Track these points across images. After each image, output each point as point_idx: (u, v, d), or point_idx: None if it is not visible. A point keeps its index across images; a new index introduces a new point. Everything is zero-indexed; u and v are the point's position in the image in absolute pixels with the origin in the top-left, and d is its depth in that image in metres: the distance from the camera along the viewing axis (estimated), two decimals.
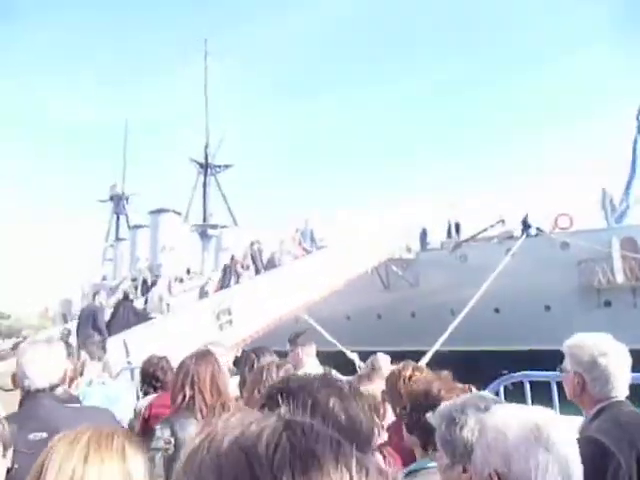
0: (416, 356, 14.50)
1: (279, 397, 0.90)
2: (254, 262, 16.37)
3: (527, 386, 3.41)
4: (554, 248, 18.52)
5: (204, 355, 2.56)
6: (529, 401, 3.38)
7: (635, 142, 19.90)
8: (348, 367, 14.61)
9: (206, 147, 37.92)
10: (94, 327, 9.64)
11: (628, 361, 1.98)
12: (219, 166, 38.59)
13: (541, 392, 3.44)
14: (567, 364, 2.02)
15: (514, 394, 3.47)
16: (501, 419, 1.11)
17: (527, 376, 3.48)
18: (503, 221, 19.80)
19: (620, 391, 1.92)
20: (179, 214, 36.33)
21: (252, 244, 16.87)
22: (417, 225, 22.08)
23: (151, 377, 3.80)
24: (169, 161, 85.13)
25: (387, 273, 21.40)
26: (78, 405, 3.21)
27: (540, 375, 3.69)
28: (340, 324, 20.74)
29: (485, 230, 20.25)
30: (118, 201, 47.57)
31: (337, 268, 16.01)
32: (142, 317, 11.15)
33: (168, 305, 12.21)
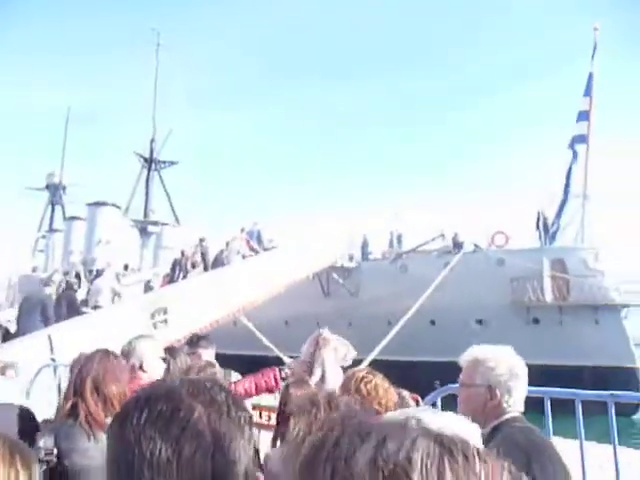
0: (353, 364, 14.77)
1: (135, 404, 0.78)
2: (203, 259, 16.20)
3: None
4: (490, 264, 19.21)
5: (94, 356, 2.31)
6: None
7: (569, 170, 20.98)
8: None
9: (152, 141, 36.91)
10: (43, 316, 9.22)
11: (525, 377, 1.99)
12: (164, 162, 37.61)
13: None
14: (476, 378, 1.95)
15: (450, 405, 3.52)
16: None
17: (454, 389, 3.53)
18: (443, 235, 20.39)
19: (518, 406, 1.91)
20: (119, 208, 35.10)
21: (201, 241, 16.70)
22: (359, 234, 22.34)
23: None
24: (112, 153, 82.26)
25: (328, 280, 21.51)
26: None
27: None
28: (278, 329, 20.62)
29: (426, 243, 20.78)
30: (55, 190, 45.48)
31: (279, 272, 15.89)
32: (76, 310, 10.68)
33: (119, 295, 11.83)
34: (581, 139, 20.58)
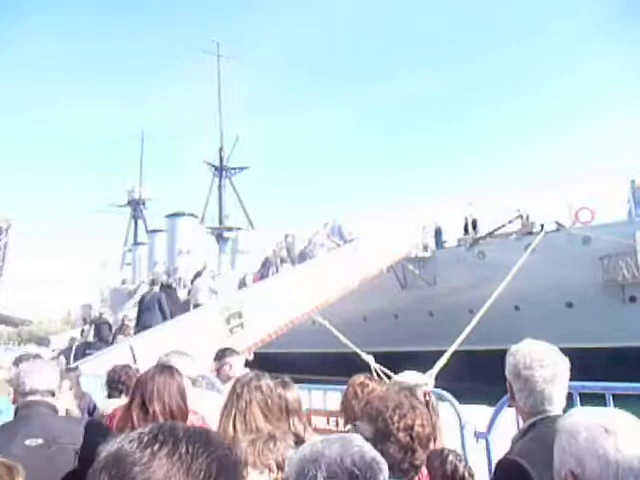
0: (435, 356, 14.33)
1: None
2: (289, 254, 16.77)
3: None
4: (575, 243, 18.00)
5: (149, 373, 2.37)
6: None
7: None
8: (363, 369, 14.41)
9: (220, 150, 38.01)
10: (161, 312, 10.59)
11: (562, 374, 1.85)
12: (234, 168, 38.66)
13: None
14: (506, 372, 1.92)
15: None
16: (571, 423, 1.15)
17: None
18: (522, 216, 19.28)
19: (554, 406, 1.79)
20: (195, 217, 36.47)
21: (286, 237, 17.30)
22: (432, 222, 21.69)
23: (117, 382, 3.89)
24: (185, 165, 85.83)
25: (404, 272, 21.06)
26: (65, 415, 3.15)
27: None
28: (356, 325, 20.47)
29: (503, 226, 19.76)
30: (136, 206, 48.03)
31: (353, 267, 15.71)
32: (181, 306, 11.78)
33: (216, 292, 12.73)
34: None
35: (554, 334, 15.74)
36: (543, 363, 1.83)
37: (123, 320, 12.62)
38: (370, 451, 1.18)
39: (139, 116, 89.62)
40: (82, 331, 15.35)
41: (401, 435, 1.59)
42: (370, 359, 13.80)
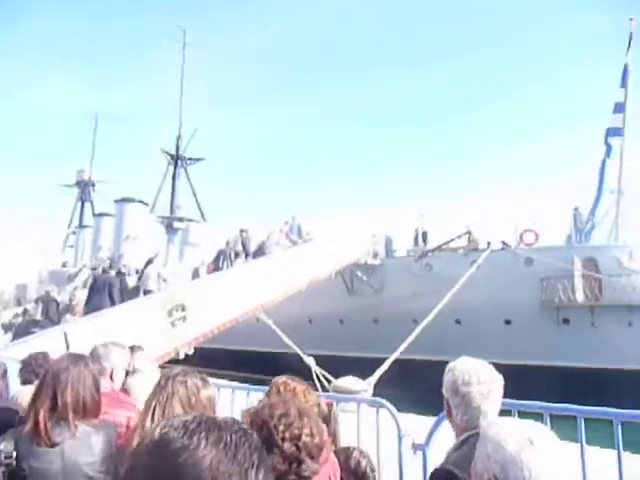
0: (377, 363, 14.50)
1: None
2: (244, 249, 16.79)
3: None
4: (518, 263, 18.66)
5: (60, 362, 2.30)
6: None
7: (603, 164, 20.24)
8: (304, 371, 14.40)
9: (178, 139, 37.17)
10: (110, 296, 10.61)
11: (497, 390, 1.92)
12: (190, 159, 37.86)
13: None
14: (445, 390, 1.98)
15: None
16: (497, 432, 1.23)
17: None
18: (470, 232, 19.86)
19: (488, 421, 1.82)
20: (146, 205, 35.52)
21: (242, 231, 17.33)
22: (383, 232, 22.00)
23: (36, 367, 3.65)
24: (139, 151, 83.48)
25: (352, 278, 21.24)
26: None
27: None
28: (302, 327, 20.48)
29: (452, 240, 20.29)
30: (84, 187, 46.29)
31: (301, 269, 15.70)
32: (130, 293, 11.69)
33: (165, 281, 12.77)
34: (616, 132, 19.82)
35: (492, 349, 16.13)
36: (480, 379, 1.87)
37: (71, 300, 12.35)
38: None
39: (98, 98, 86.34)
40: (24, 310, 14.73)
41: (286, 445, 1.51)
42: (311, 362, 13.85)
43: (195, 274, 17.22)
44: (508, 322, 18.62)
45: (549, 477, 1.13)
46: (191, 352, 10.55)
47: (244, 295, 12.85)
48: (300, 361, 14.22)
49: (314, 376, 13.60)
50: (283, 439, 1.52)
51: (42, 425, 2.09)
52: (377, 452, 3.26)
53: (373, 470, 2.41)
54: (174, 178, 37.39)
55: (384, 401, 3.41)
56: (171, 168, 37.61)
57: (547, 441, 1.19)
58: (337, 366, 14.06)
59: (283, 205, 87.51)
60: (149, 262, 14.00)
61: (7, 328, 11.63)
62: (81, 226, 43.30)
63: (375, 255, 21.07)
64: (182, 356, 10.22)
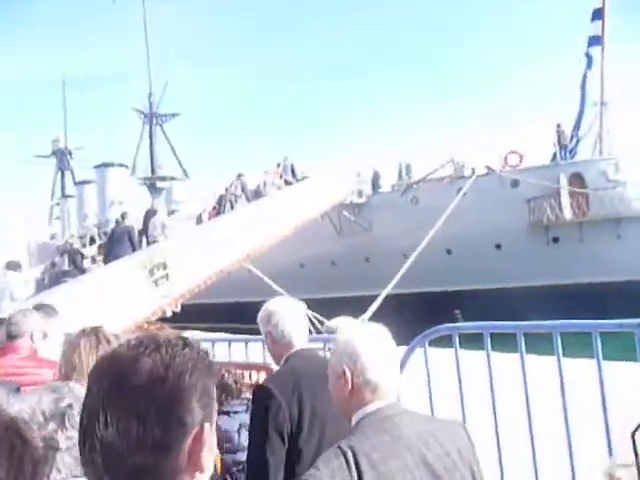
0: (371, 300, 14.51)
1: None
2: (243, 191, 17.10)
3: (456, 339, 2.92)
4: (504, 186, 18.47)
5: None
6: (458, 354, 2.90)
7: (584, 77, 19.71)
8: None
9: (150, 96, 35.96)
10: (131, 244, 11.03)
11: (301, 315, 2.18)
12: (165, 115, 36.77)
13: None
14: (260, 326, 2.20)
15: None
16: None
17: (455, 329, 2.97)
18: (453, 161, 19.52)
19: (298, 342, 2.10)
20: (126, 167, 34.85)
21: (239, 175, 17.71)
22: (368, 168, 21.58)
23: None
24: (113, 113, 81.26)
25: (339, 218, 21.05)
26: None
27: (469, 327, 3.20)
28: (294, 272, 20.48)
29: (436, 170, 19.98)
30: (61, 156, 45.15)
31: (285, 214, 15.45)
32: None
33: (170, 229, 13.05)
34: (596, 41, 19.20)
35: (484, 275, 16.09)
36: (285, 309, 2.16)
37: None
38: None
39: (63, 61, 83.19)
40: (52, 263, 15.05)
41: None
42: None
43: (198, 220, 17.55)
44: (499, 246, 18.63)
45: (388, 364, 1.45)
46: (178, 309, 10.46)
47: (228, 245, 12.63)
48: None
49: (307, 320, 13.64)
50: None
51: None
52: None
53: (236, 382, 2.88)
54: (151, 137, 36.47)
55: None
56: (147, 127, 36.63)
57: (383, 336, 1.50)
58: (331, 308, 14.04)
59: (264, 153, 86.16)
60: (152, 213, 13.91)
61: (39, 283, 11.84)
62: (64, 196, 42.55)
63: (360, 193, 20.78)
64: (169, 314, 10.13)
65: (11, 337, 2.94)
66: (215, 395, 0.84)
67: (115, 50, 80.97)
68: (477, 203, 17.80)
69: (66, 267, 12.70)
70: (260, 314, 2.14)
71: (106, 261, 11.02)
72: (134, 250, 11.03)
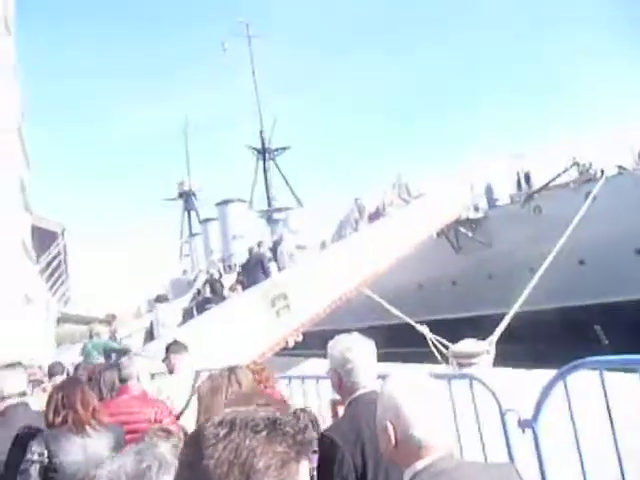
0: (497, 320, 13.69)
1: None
2: (361, 216, 17.67)
3: (603, 374, 2.37)
4: None
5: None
6: (604, 393, 2.37)
7: None
8: (421, 340, 13.98)
9: (261, 133, 37.83)
10: (263, 271, 11.99)
11: (372, 358, 2.13)
12: (276, 149, 38.43)
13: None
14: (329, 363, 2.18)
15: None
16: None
17: (604, 363, 2.40)
18: (578, 164, 17.97)
19: (364, 384, 2.06)
20: (244, 202, 36.69)
21: (356, 200, 18.27)
22: (481, 181, 20.66)
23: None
24: (230, 152, 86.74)
25: (456, 236, 20.27)
26: None
27: (621, 361, 2.56)
28: (412, 294, 19.99)
29: (559, 176, 18.49)
30: (187, 197, 48.90)
31: (399, 235, 15.17)
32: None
33: (294, 256, 13.98)
34: None
35: (625, 286, 14.52)
36: (359, 346, 2.13)
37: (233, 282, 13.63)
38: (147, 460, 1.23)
39: (182, 111, 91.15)
40: (198, 291, 16.59)
41: None
42: (424, 330, 13.38)
43: (322, 246, 18.26)
44: (639, 252, 16.74)
45: (435, 417, 1.39)
46: (300, 339, 10.59)
47: (347, 271, 12.64)
48: (414, 330, 13.81)
49: (430, 344, 13.13)
50: None
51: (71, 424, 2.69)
52: (479, 433, 2.84)
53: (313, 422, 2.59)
54: (265, 171, 38.22)
55: (475, 374, 2.93)
56: (260, 162, 38.50)
57: (430, 385, 1.45)
58: (454, 330, 13.48)
59: (376, 175, 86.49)
60: (279, 241, 14.60)
61: (187, 311, 12.86)
62: (191, 234, 45.89)
63: (476, 208, 19.91)
64: (291, 344, 10.29)
65: (122, 380, 3.45)
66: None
67: (227, 93, 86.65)
68: (610, 207, 16.19)
69: (208, 295, 13.78)
70: (331, 350, 2.14)
71: (244, 288, 11.66)
72: (267, 277, 11.73)
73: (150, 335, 11.10)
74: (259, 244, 14.02)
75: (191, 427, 2.34)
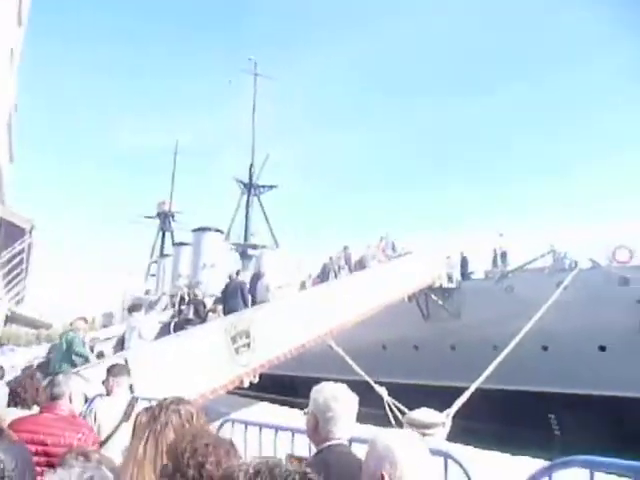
0: (455, 392, 13.49)
1: None
2: (347, 263, 17.92)
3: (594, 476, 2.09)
4: (611, 283, 16.97)
5: None
6: None
7: None
8: (377, 401, 13.67)
9: (251, 167, 38.04)
10: (242, 299, 12.05)
11: (353, 408, 2.14)
12: (263, 186, 38.59)
13: None
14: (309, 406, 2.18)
15: None
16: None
17: (596, 465, 2.12)
18: (554, 251, 18.38)
19: (341, 435, 2.08)
20: (221, 233, 36.42)
21: (345, 248, 18.74)
22: (457, 252, 20.92)
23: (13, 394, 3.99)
24: (215, 181, 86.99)
25: (427, 302, 20.26)
26: None
27: (617, 466, 2.26)
28: (375, 353, 19.74)
29: (535, 260, 18.86)
30: (164, 218, 48.41)
31: (371, 293, 15.08)
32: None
33: (272, 294, 13.84)
34: None
35: (585, 378, 14.57)
36: (345, 397, 2.14)
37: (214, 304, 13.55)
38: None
39: (176, 132, 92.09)
40: (180, 311, 16.45)
41: (190, 472, 1.53)
42: (383, 392, 13.09)
43: (302, 287, 18.26)
44: (602, 348, 16.90)
45: (428, 472, 1.51)
46: (256, 380, 10.21)
47: (313, 320, 12.40)
48: (371, 390, 13.49)
49: (386, 407, 12.83)
50: (188, 465, 1.55)
51: None
52: None
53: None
54: (247, 206, 38.22)
55: (452, 452, 2.69)
56: (245, 196, 38.51)
57: (421, 445, 1.56)
58: (411, 396, 13.21)
59: (353, 228, 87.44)
60: (259, 276, 14.39)
61: (164, 327, 12.62)
62: (162, 255, 45.15)
63: (450, 278, 20.03)
64: (246, 384, 9.90)
65: (53, 398, 3.24)
66: None
67: (224, 122, 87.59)
68: (579, 299, 16.44)
69: (191, 315, 13.80)
70: (315, 394, 2.13)
71: (225, 313, 11.58)
72: (246, 305, 11.90)
73: (121, 343, 10.79)
74: (237, 272, 13.99)
75: (116, 454, 2.22)
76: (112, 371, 4.67)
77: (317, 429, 2.10)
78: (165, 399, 2.04)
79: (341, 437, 2.08)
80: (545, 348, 17.37)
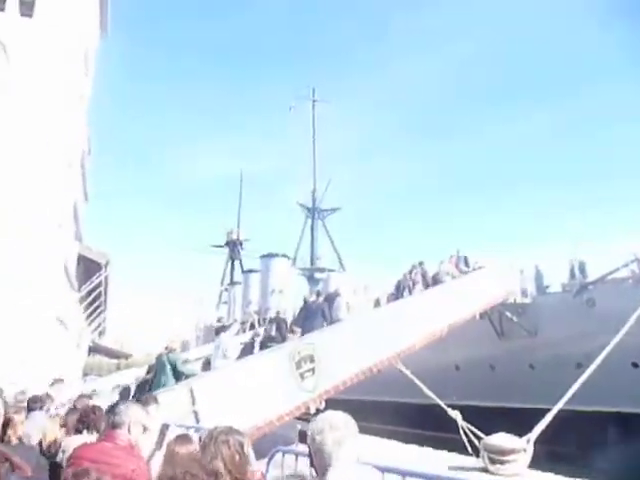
0: (535, 414, 12.64)
1: None
2: (423, 278, 17.72)
3: None
4: None
5: None
6: None
7: None
8: (451, 425, 13.05)
9: (313, 192, 38.47)
10: (324, 319, 12.27)
11: (345, 442, 2.00)
12: (326, 210, 38.89)
13: None
14: None
15: None
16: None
17: None
18: (638, 259, 17.03)
19: (336, 464, 1.98)
20: (288, 258, 36.90)
21: (421, 263, 18.51)
22: (531, 267, 19.88)
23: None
24: (280, 207, 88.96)
25: (500, 319, 19.34)
26: None
27: None
28: (448, 375, 19.01)
29: (617, 270, 17.55)
30: (233, 247, 49.69)
31: (440, 313, 14.55)
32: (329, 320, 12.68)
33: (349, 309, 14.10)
34: None
35: None
36: (332, 427, 2.02)
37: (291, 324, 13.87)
38: None
39: (240, 160, 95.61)
40: (265, 329, 16.90)
41: None
42: (457, 416, 12.47)
43: (376, 304, 18.18)
44: None
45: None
46: (322, 406, 10.01)
47: (381, 341, 12.09)
48: (444, 413, 12.92)
49: (460, 432, 12.19)
50: None
51: None
52: None
53: None
54: (312, 230, 38.57)
55: None
56: (309, 221, 38.92)
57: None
58: (488, 419, 12.52)
59: (418, 248, 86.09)
60: (336, 294, 14.41)
61: (247, 347, 13.05)
62: (232, 283, 46.26)
63: (524, 292, 19.04)
64: (313, 410, 9.72)
65: (113, 426, 3.18)
66: None
67: (286, 150, 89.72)
68: None
69: (273, 333, 14.12)
70: (309, 425, 2.10)
71: (302, 332, 11.69)
72: (328, 324, 12.13)
73: (208, 363, 11.52)
74: (318, 293, 14.46)
75: None
76: (141, 400, 4.72)
77: (313, 459, 2.05)
78: (215, 428, 2.04)
79: (337, 466, 1.93)
80: (635, 365, 16.05)
